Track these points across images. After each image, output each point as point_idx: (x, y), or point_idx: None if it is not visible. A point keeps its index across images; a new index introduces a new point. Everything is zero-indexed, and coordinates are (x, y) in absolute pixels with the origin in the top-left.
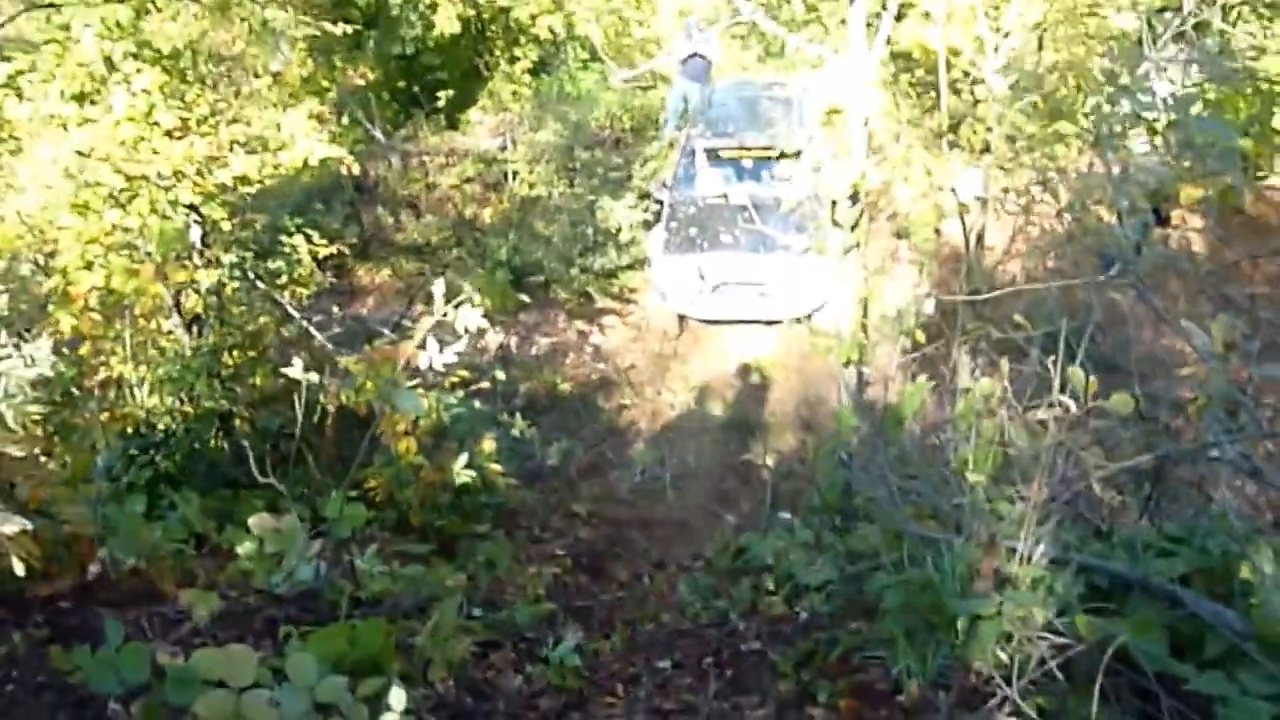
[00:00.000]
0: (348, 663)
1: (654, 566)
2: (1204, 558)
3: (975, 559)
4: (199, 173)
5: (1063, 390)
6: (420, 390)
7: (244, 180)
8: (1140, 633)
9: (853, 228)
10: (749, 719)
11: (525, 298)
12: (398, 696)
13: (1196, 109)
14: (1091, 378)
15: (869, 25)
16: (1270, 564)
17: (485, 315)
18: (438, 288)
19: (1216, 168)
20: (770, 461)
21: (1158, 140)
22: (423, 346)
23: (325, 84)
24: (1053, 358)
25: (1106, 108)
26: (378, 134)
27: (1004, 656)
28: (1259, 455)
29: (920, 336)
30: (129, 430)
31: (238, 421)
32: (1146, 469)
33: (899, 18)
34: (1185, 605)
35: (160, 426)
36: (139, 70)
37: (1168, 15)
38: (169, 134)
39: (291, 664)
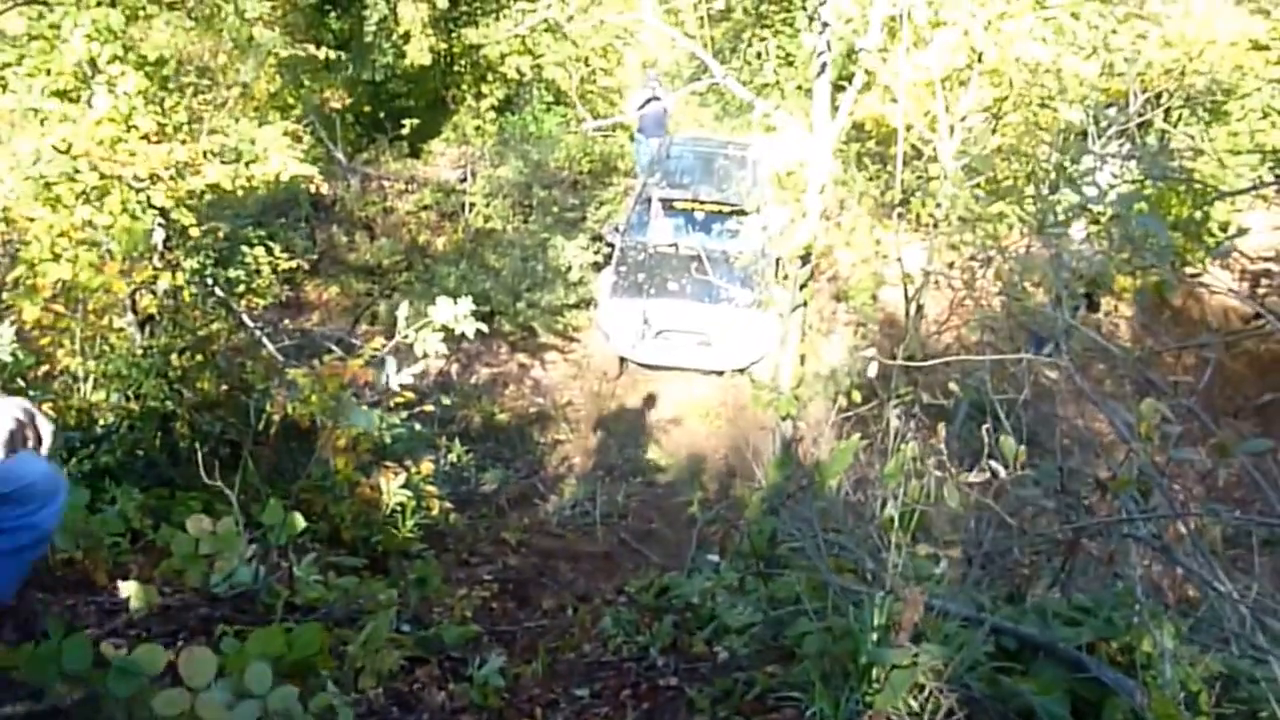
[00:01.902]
0: (284, 665)
1: (578, 598)
2: (1109, 629)
3: (895, 612)
4: (173, 177)
5: (990, 457)
6: (364, 408)
7: (217, 188)
8: (1045, 692)
9: (801, 287)
10: None
11: None
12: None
13: (1139, 206)
14: (1021, 447)
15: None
16: (1171, 639)
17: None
18: (401, 310)
19: (1151, 261)
20: (698, 505)
21: (1095, 229)
22: (382, 364)
23: (291, 101)
24: (984, 426)
25: (1051, 196)
26: (339, 155)
27: (915, 705)
28: (1170, 535)
29: (856, 396)
30: (70, 422)
31: (179, 423)
32: (1061, 540)
33: (863, 90)
34: (1089, 671)
35: (102, 421)
36: (123, 73)
37: (1113, 111)
38: (145, 138)
39: (250, 673)
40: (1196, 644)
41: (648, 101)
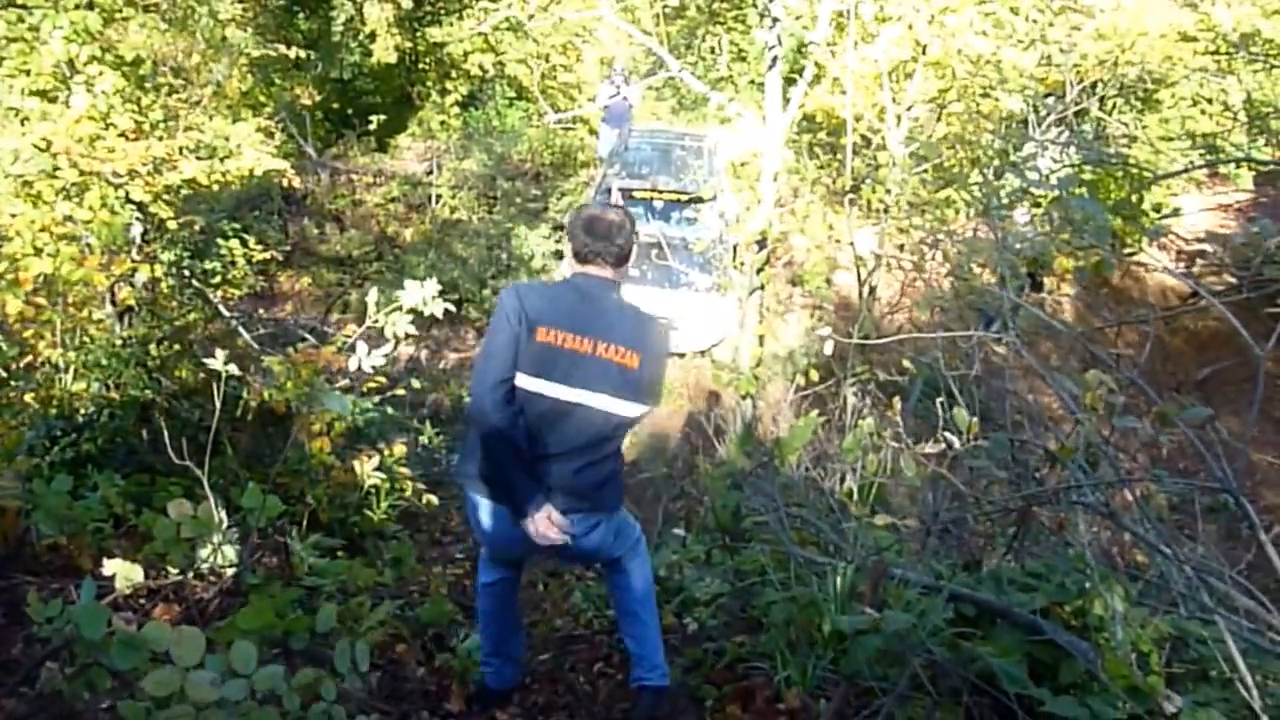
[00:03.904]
0: (270, 639)
1: (549, 575)
2: (1062, 593)
3: (857, 582)
4: (151, 173)
5: (944, 430)
6: (337, 393)
7: (193, 184)
8: (1004, 655)
9: (758, 271)
10: None
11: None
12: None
13: (1078, 190)
14: (974, 419)
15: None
16: (1121, 602)
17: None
18: (370, 295)
19: (1091, 241)
20: (663, 482)
21: (1038, 212)
22: (353, 349)
23: (263, 99)
24: (938, 398)
25: (995, 181)
26: (309, 150)
27: (879, 670)
28: (1118, 502)
29: (814, 375)
30: (52, 412)
31: (158, 411)
32: (1014, 509)
33: (813, 82)
34: (1044, 634)
35: (83, 410)
36: (100, 73)
37: (1051, 100)
38: (123, 135)
39: (235, 652)
40: (1146, 606)
41: (614, 96)
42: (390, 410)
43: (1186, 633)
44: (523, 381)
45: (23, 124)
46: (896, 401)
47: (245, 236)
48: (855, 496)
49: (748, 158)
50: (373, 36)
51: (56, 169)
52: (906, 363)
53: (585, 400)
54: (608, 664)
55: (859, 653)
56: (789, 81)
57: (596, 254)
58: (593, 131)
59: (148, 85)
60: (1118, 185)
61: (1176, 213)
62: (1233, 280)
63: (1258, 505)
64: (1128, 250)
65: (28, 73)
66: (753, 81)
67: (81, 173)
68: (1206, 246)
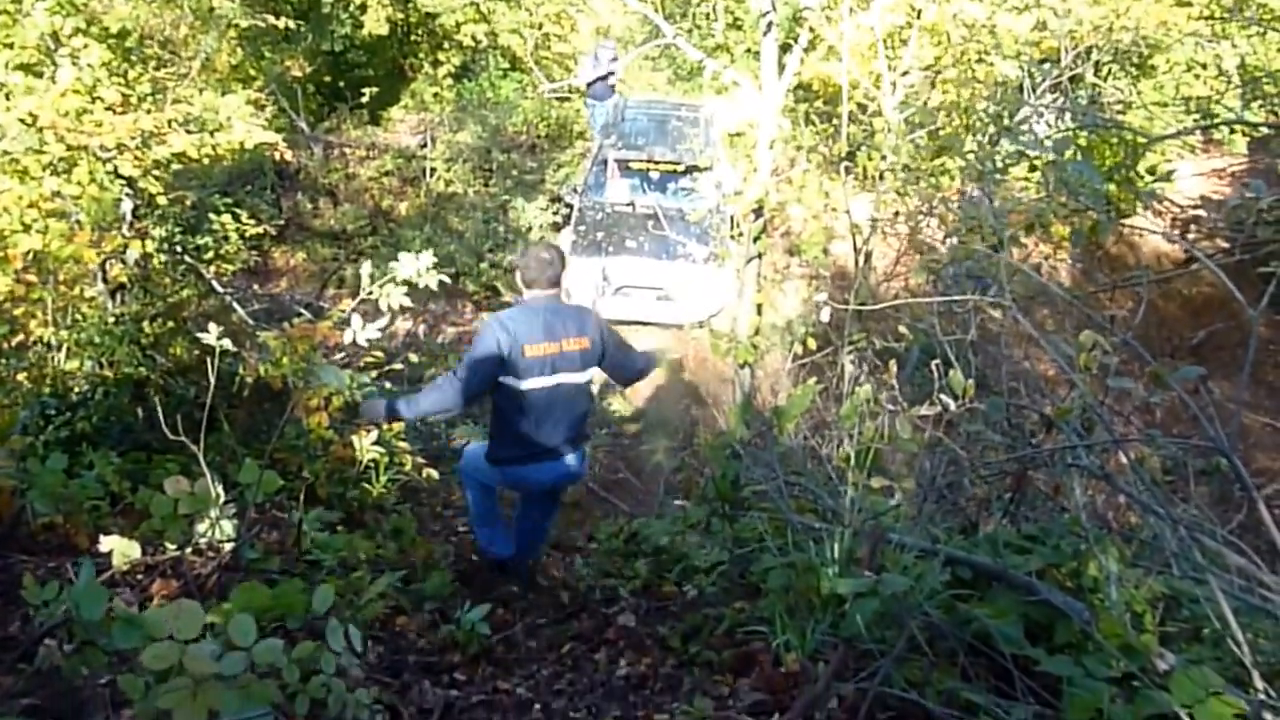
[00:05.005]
0: (269, 616)
1: (551, 546)
2: (1057, 555)
3: (854, 547)
4: (139, 147)
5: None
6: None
7: (183, 157)
8: (999, 617)
9: (756, 239)
10: (634, 674)
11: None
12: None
13: (1070, 154)
14: (970, 381)
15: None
16: (1115, 563)
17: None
18: (364, 267)
19: (1086, 204)
20: (663, 453)
21: (1033, 175)
22: (347, 322)
23: (253, 72)
24: (934, 361)
25: (991, 145)
26: (301, 124)
27: (877, 632)
28: (1112, 465)
29: (811, 344)
30: (46, 390)
31: (153, 388)
32: (1010, 473)
33: (809, 49)
34: (1039, 595)
35: (76, 389)
36: (85, 46)
37: (1047, 66)
38: (110, 109)
39: (233, 625)
40: (1140, 567)
41: (594, 82)
42: (389, 386)
43: (1180, 593)
44: (525, 384)
45: (7, 99)
46: (893, 365)
47: (237, 211)
48: (852, 462)
49: (744, 127)
50: (364, 8)
51: (43, 144)
52: (903, 329)
53: (564, 379)
54: (609, 634)
55: (857, 616)
56: (784, 50)
57: (543, 280)
58: (587, 104)
59: (134, 58)
60: (1113, 152)
61: (1170, 175)
62: (1226, 246)
63: (1250, 468)
64: (1123, 215)
65: (11, 46)
66: (749, 50)
67: (69, 147)
68: (1201, 212)
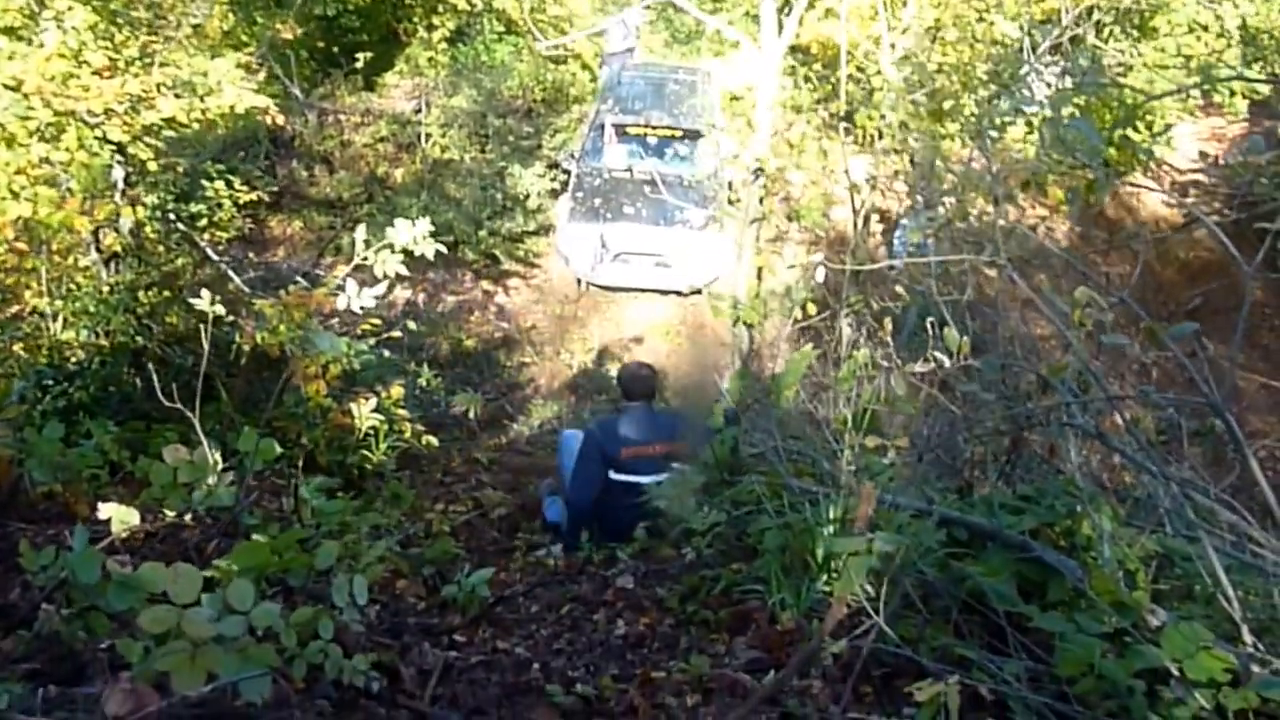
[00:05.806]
0: (270, 572)
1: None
2: (1051, 514)
3: (849, 508)
4: (128, 111)
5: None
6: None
7: (172, 122)
8: (992, 575)
9: (761, 200)
10: (633, 634)
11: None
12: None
13: (1067, 111)
14: (965, 338)
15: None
16: (1108, 522)
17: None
18: (359, 233)
19: (1084, 162)
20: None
21: (1032, 138)
22: (342, 288)
23: (245, 38)
24: (929, 320)
25: (990, 104)
26: (295, 90)
27: (871, 591)
28: (1106, 426)
29: (811, 309)
30: (42, 361)
31: (150, 357)
32: (1005, 433)
33: (809, 7)
34: (1033, 554)
35: (73, 359)
36: (70, 8)
37: (1047, 26)
38: (97, 73)
39: (232, 589)
40: (1133, 526)
41: (618, 51)
42: (387, 354)
43: (1172, 551)
44: (617, 477)
45: None
46: (888, 323)
47: (230, 178)
48: (849, 424)
49: (743, 91)
50: None
51: (30, 109)
52: (899, 289)
53: (646, 480)
54: (608, 595)
55: (852, 574)
56: (782, 9)
57: (640, 394)
58: (585, 66)
59: (120, 21)
60: (1113, 114)
61: (1168, 128)
62: (1221, 206)
63: (1244, 429)
64: (1120, 176)
65: None
66: (747, 13)
67: (56, 113)
68: (1201, 176)
